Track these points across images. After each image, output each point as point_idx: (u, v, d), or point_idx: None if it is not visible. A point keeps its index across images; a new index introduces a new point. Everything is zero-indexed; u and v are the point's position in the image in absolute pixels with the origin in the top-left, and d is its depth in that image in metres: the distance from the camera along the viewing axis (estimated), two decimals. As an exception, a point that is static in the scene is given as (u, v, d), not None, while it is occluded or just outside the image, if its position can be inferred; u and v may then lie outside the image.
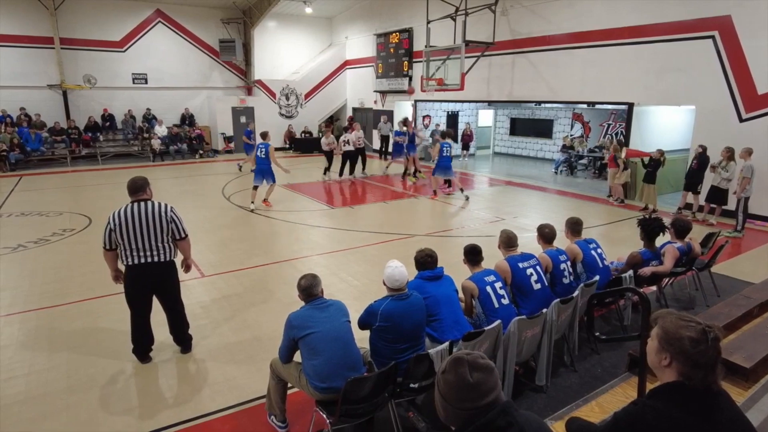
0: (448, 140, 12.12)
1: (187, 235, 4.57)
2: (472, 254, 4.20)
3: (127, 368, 4.48)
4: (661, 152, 10.55)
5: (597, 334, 4.61)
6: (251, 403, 3.97)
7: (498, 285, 4.04)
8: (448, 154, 11.79)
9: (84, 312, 5.67)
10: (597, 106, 16.00)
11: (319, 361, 3.18)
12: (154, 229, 4.33)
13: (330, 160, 14.39)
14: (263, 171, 10.81)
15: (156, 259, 4.36)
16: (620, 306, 5.35)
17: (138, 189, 4.40)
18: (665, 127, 13.48)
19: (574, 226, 5.09)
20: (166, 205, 4.46)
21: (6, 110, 16.72)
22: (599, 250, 5.03)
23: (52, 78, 17.63)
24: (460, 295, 4.10)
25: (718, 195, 9.54)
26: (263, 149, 10.77)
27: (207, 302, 6.00)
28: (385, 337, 3.39)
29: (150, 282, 4.44)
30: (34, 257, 7.61)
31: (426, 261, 3.92)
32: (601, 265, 4.92)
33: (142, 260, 4.31)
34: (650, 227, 5.49)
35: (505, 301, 4.03)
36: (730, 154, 9.29)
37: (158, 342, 4.91)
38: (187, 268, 4.75)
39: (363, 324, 3.51)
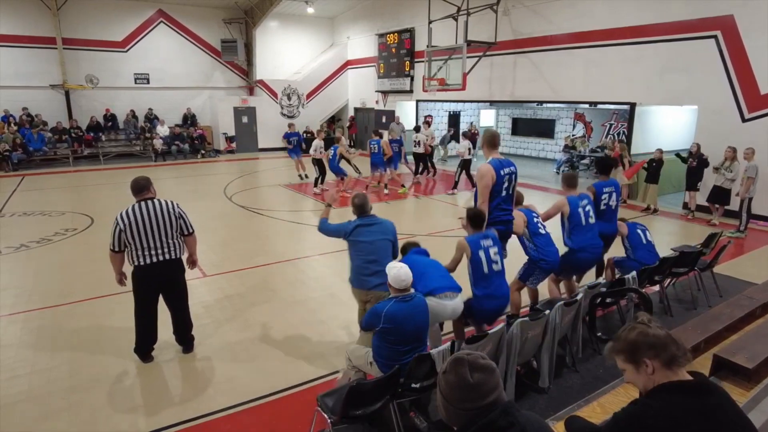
0: (466, 140, 12.65)
1: (194, 231, 4.62)
2: (476, 219, 4.33)
3: (130, 368, 4.49)
4: (661, 152, 10.57)
5: (599, 334, 4.61)
6: (253, 402, 3.97)
7: (493, 250, 4.15)
8: (399, 151, 12.85)
9: (86, 311, 5.69)
10: (599, 106, 15.97)
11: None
12: (165, 226, 4.35)
13: (322, 169, 12.66)
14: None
15: (167, 256, 4.38)
16: (622, 306, 5.34)
17: (142, 188, 4.43)
18: (667, 127, 13.45)
19: (570, 180, 5.38)
20: (172, 202, 4.50)
21: (8, 110, 16.76)
22: (588, 208, 5.17)
23: (54, 78, 17.66)
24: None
25: (721, 195, 9.52)
26: (375, 145, 12.13)
27: (209, 302, 6.00)
28: (387, 338, 3.38)
29: (159, 281, 4.46)
30: (36, 257, 7.63)
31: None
32: (584, 223, 5.09)
33: (153, 259, 4.32)
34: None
35: (497, 267, 4.13)
36: (733, 154, 9.28)
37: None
38: (192, 264, 4.80)
39: (367, 326, 3.51)
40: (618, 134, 15.99)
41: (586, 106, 16.34)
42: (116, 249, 4.31)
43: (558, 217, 5.30)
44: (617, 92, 12.20)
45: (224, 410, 3.88)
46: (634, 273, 5.11)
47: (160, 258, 4.34)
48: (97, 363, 4.57)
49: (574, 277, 5.60)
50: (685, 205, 10.72)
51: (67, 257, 7.62)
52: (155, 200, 4.42)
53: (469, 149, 12.65)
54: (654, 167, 10.56)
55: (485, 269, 4.11)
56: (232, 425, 3.73)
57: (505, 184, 4.58)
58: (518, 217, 4.64)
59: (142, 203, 4.35)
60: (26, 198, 11.82)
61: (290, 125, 14.95)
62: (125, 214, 4.28)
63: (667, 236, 8.82)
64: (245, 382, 4.27)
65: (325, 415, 3.18)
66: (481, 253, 4.10)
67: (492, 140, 4.80)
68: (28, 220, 9.77)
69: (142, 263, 4.31)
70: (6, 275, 6.83)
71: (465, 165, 12.52)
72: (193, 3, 19.50)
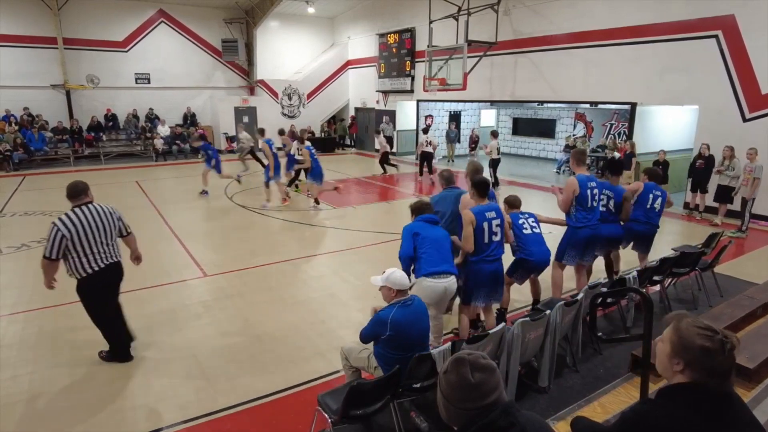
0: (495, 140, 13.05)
1: (131, 231, 4.63)
2: (482, 186, 4.45)
3: (129, 368, 4.49)
4: (664, 153, 10.57)
5: (599, 334, 4.59)
6: (254, 402, 3.97)
7: (495, 222, 4.34)
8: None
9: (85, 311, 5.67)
10: (599, 106, 15.98)
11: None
12: (108, 230, 4.29)
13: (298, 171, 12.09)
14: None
15: (112, 260, 4.33)
16: (623, 306, 5.34)
17: (80, 192, 4.28)
18: (668, 127, 13.45)
19: (580, 156, 5.53)
20: (108, 206, 4.44)
21: (10, 110, 16.78)
22: (595, 192, 5.33)
23: (55, 78, 17.68)
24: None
25: (725, 193, 9.53)
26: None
27: (209, 301, 6.01)
28: (393, 345, 3.35)
29: (109, 284, 4.40)
30: (37, 257, 7.57)
31: (423, 207, 4.45)
32: (588, 204, 5.25)
33: (102, 264, 4.23)
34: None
35: (496, 238, 4.35)
36: (731, 153, 9.30)
37: (161, 342, 4.93)
38: (137, 260, 4.79)
39: (370, 336, 3.44)
40: (619, 134, 15.99)
41: (587, 106, 16.34)
42: (54, 257, 4.06)
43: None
44: (618, 92, 12.20)
45: (225, 410, 3.88)
46: (634, 273, 5.10)
47: (107, 262, 4.28)
48: (96, 363, 4.57)
49: (584, 273, 5.61)
50: (686, 205, 10.72)
51: (67, 257, 7.61)
52: (95, 204, 4.31)
53: (498, 149, 13.30)
54: (660, 169, 10.50)
55: (485, 239, 4.33)
56: (232, 425, 3.73)
57: (490, 230, 4.48)
58: (465, 216, 4.50)
59: (84, 207, 4.21)
60: (27, 198, 11.83)
61: (201, 135, 13.73)
62: (67, 220, 4.07)
63: (668, 236, 8.81)
64: (245, 381, 4.27)
65: (326, 415, 3.18)
66: (485, 225, 4.31)
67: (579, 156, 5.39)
68: (29, 220, 9.78)
69: (91, 271, 4.18)
70: (7, 275, 6.84)
71: (493, 164, 13.19)
72: (193, 3, 19.51)
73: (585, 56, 12.71)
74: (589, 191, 5.25)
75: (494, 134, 13.62)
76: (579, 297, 4.38)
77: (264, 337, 5.10)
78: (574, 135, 17.33)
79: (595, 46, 12.45)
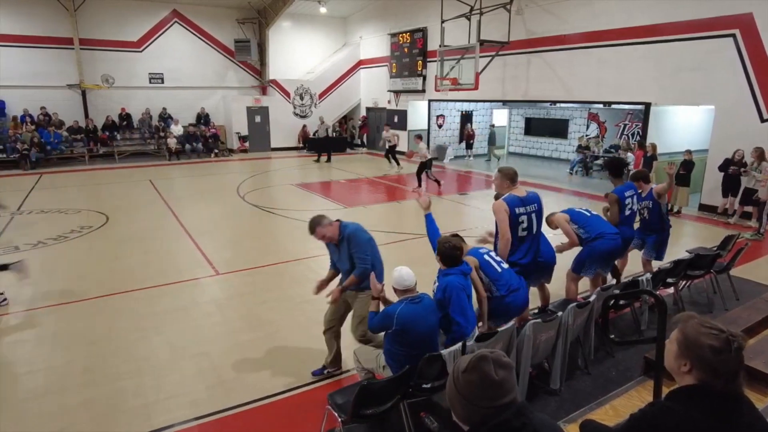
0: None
1: None
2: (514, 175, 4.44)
3: (142, 365, 4.54)
4: (690, 153, 10.39)
5: (612, 336, 4.55)
6: (264, 400, 3.99)
7: (493, 253, 4.24)
8: None
9: (101, 308, 5.76)
10: (613, 106, 15.81)
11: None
12: None
13: None
14: None
15: None
16: (636, 308, 5.28)
17: None
18: (683, 127, 13.26)
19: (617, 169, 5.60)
20: None
21: (27, 109, 17.05)
22: (583, 209, 5.38)
23: (71, 78, 17.92)
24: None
25: (750, 196, 9.37)
26: None
27: (221, 299, 6.05)
28: (401, 341, 3.37)
29: None
30: (53, 254, 7.76)
31: (455, 255, 3.69)
32: (589, 215, 5.24)
33: None
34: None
35: (505, 265, 4.14)
36: (759, 154, 9.08)
37: (172, 341, 4.98)
38: None
39: (378, 327, 3.47)
40: (632, 134, 15.82)
41: (600, 106, 16.19)
42: None
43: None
44: (631, 92, 12.07)
45: (236, 407, 3.91)
46: (648, 275, 5.05)
47: None
48: (110, 359, 4.63)
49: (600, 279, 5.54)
50: (702, 207, 10.57)
51: (83, 255, 7.73)
52: None
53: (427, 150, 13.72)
54: (685, 169, 10.33)
55: (497, 269, 4.13)
56: (243, 422, 3.76)
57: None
58: (470, 262, 3.96)
59: None
60: (44, 196, 12.02)
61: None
62: None
63: (683, 238, 8.70)
64: (256, 379, 4.29)
65: (336, 414, 3.19)
66: (486, 257, 4.18)
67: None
68: (45, 218, 9.93)
69: None
70: (23, 271, 6.94)
71: (426, 166, 13.24)
72: (207, 3, 19.65)
73: (598, 56, 12.59)
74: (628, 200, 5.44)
75: (419, 137, 13.92)
76: (591, 299, 4.34)
77: (275, 336, 5.12)
78: (587, 135, 17.17)
79: (608, 45, 12.32)
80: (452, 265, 3.71)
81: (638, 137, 13.68)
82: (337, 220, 4.14)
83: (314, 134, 19.23)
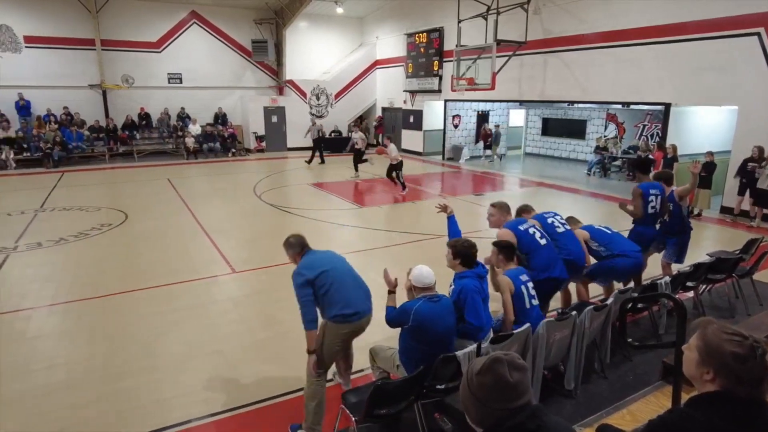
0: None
1: None
2: (509, 249, 4.08)
3: (160, 361, 4.61)
4: (711, 154, 10.21)
5: (629, 340, 4.48)
6: (279, 398, 4.03)
7: (530, 285, 3.98)
8: None
9: (119, 305, 5.86)
10: (632, 107, 15.58)
11: (338, 291, 3.42)
12: None
13: None
14: None
15: None
16: (654, 312, 5.20)
17: None
18: (704, 128, 13.03)
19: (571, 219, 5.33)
20: None
21: (51, 109, 17.43)
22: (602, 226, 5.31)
23: (93, 78, 18.27)
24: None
25: (764, 197, 9.19)
26: None
27: (238, 297, 6.12)
28: (416, 338, 3.37)
29: None
30: (74, 250, 7.91)
31: (472, 254, 3.72)
32: (610, 233, 5.14)
33: None
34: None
35: (535, 302, 3.97)
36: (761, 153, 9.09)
37: (188, 338, 5.04)
38: None
39: (395, 321, 3.47)
40: (652, 135, 15.57)
41: (619, 106, 15.96)
42: None
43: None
44: (651, 92, 11.88)
45: (250, 405, 3.95)
46: (667, 278, 4.96)
47: None
48: (127, 355, 4.71)
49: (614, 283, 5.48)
50: (723, 209, 10.39)
51: (102, 251, 7.87)
52: None
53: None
54: (707, 171, 10.13)
55: (527, 304, 3.90)
56: (257, 419, 3.79)
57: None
58: (503, 282, 3.91)
59: None
60: (65, 194, 12.26)
61: None
62: None
63: (704, 241, 8.54)
64: (271, 377, 4.33)
65: (350, 413, 3.19)
66: (522, 288, 3.91)
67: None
68: (66, 215, 10.13)
69: None
70: (46, 267, 7.10)
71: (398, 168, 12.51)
72: (225, 4, 19.85)
73: (617, 55, 12.41)
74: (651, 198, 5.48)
75: (390, 138, 13.35)
76: (609, 301, 4.29)
77: (290, 335, 5.15)
78: (605, 136, 16.95)
79: (627, 45, 12.14)
80: (468, 266, 3.70)
81: (658, 138, 13.46)
82: (302, 250, 3.82)
83: (306, 135, 17.56)
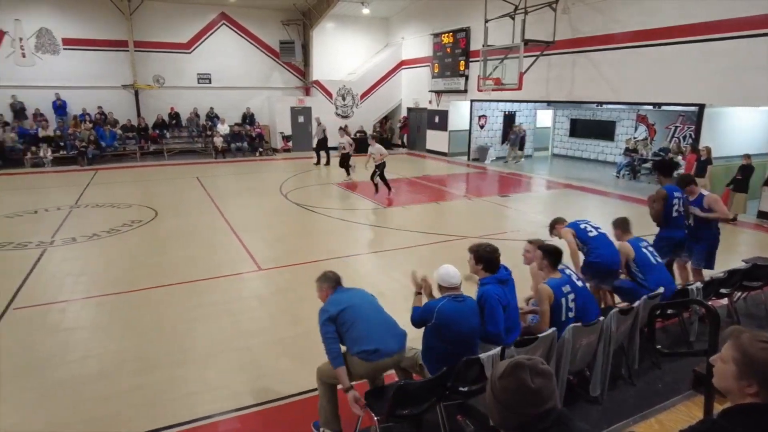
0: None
1: None
2: (556, 256, 3.91)
3: (188, 356, 4.71)
4: (748, 157, 9.87)
5: (658, 347, 4.39)
6: (301, 395, 4.07)
7: (571, 297, 3.84)
8: None
9: (149, 299, 6.02)
10: (663, 108, 15.18)
11: (360, 327, 3.31)
12: None
13: None
14: None
15: None
16: (685, 319, 5.06)
17: None
18: (740, 130, 12.58)
19: (624, 225, 5.04)
20: None
21: (86, 108, 18.00)
22: (650, 248, 4.91)
23: (125, 78, 18.79)
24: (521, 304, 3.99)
25: None
26: None
27: (264, 295, 6.21)
28: (439, 336, 3.38)
29: None
30: (106, 246, 8.15)
31: (495, 258, 3.68)
32: (654, 262, 4.79)
33: None
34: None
35: (572, 315, 3.87)
36: None
37: (216, 333, 5.14)
38: None
39: (418, 320, 3.48)
40: (684, 137, 15.16)
41: (650, 107, 15.57)
42: None
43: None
44: (685, 93, 11.54)
45: (274, 401, 4.00)
46: (698, 284, 4.82)
47: None
48: (157, 349, 4.83)
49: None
50: (761, 214, 10.04)
51: (133, 247, 8.09)
52: None
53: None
54: (743, 174, 9.80)
55: (563, 317, 3.80)
56: (281, 416, 3.85)
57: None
58: (543, 292, 3.80)
59: None
60: (98, 191, 12.64)
61: None
62: None
63: (740, 247, 8.28)
64: (295, 374, 4.37)
65: (372, 413, 3.21)
66: (563, 300, 3.80)
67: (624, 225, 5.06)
68: (99, 212, 10.45)
69: None
70: (80, 262, 7.34)
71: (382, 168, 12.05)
72: (253, 5, 20.14)
73: (649, 55, 12.11)
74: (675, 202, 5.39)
75: (375, 138, 12.77)
76: (636, 305, 4.19)
77: (314, 333, 5.17)
78: (634, 137, 16.57)
79: (661, 44, 11.83)
80: (491, 271, 3.69)
81: (691, 140, 13.09)
82: (335, 286, 3.61)
83: (341, 149, 15.50)
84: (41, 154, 16.33)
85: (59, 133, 17.14)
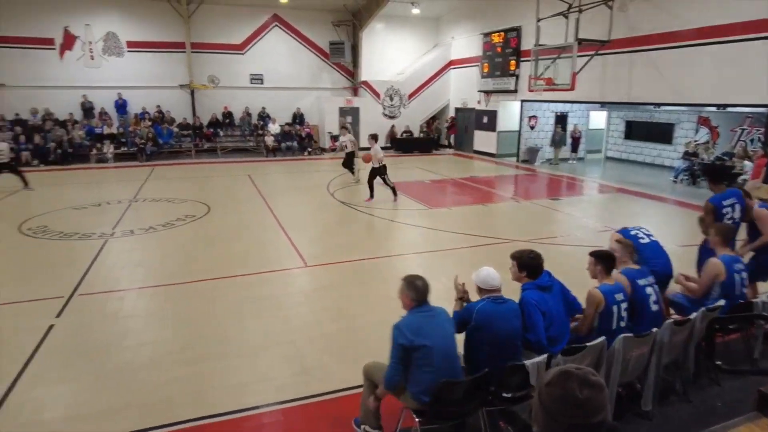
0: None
1: None
2: (609, 261, 3.78)
3: (235, 348, 4.86)
4: None
5: (718, 363, 4.14)
6: (343, 392, 4.11)
7: (624, 305, 3.69)
8: None
9: (201, 291, 6.24)
10: (729, 109, 14.31)
11: (426, 377, 3.09)
12: None
13: None
14: None
15: None
16: (749, 334, 4.75)
17: None
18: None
19: (729, 233, 4.57)
20: None
21: (145, 107, 18.94)
22: (744, 274, 4.38)
23: (182, 78, 19.62)
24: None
25: None
26: None
27: (309, 291, 6.33)
28: (480, 337, 3.34)
29: None
30: (162, 238, 8.54)
31: (539, 265, 3.61)
32: (737, 292, 4.32)
33: None
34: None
35: (623, 324, 3.72)
36: None
37: (262, 327, 5.27)
38: None
39: (459, 321, 3.44)
40: (752, 141, 14.25)
41: (713, 109, 14.72)
42: None
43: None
44: (755, 93, 10.81)
45: (317, 396, 4.06)
46: (765, 296, 4.52)
47: None
48: (206, 339, 5.01)
49: None
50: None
51: (187, 241, 8.43)
52: None
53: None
54: None
55: (614, 325, 3.67)
56: (322, 411, 3.89)
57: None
58: (592, 297, 3.68)
59: None
60: (155, 186, 13.26)
61: None
62: None
63: None
64: (337, 371, 4.43)
65: (413, 413, 3.20)
66: (614, 308, 3.66)
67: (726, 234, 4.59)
68: (156, 206, 10.95)
69: None
70: (138, 253, 7.73)
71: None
72: (305, 7, 20.53)
73: (715, 54, 11.44)
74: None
75: (374, 138, 12.06)
76: (693, 316, 3.96)
77: (357, 330, 5.25)
78: (695, 141, 15.71)
79: (728, 41, 11.15)
80: (534, 277, 3.63)
81: (760, 144, 12.29)
82: (420, 299, 3.24)
83: (342, 148, 14.60)
84: (105, 150, 17.32)
85: (121, 131, 18.13)
